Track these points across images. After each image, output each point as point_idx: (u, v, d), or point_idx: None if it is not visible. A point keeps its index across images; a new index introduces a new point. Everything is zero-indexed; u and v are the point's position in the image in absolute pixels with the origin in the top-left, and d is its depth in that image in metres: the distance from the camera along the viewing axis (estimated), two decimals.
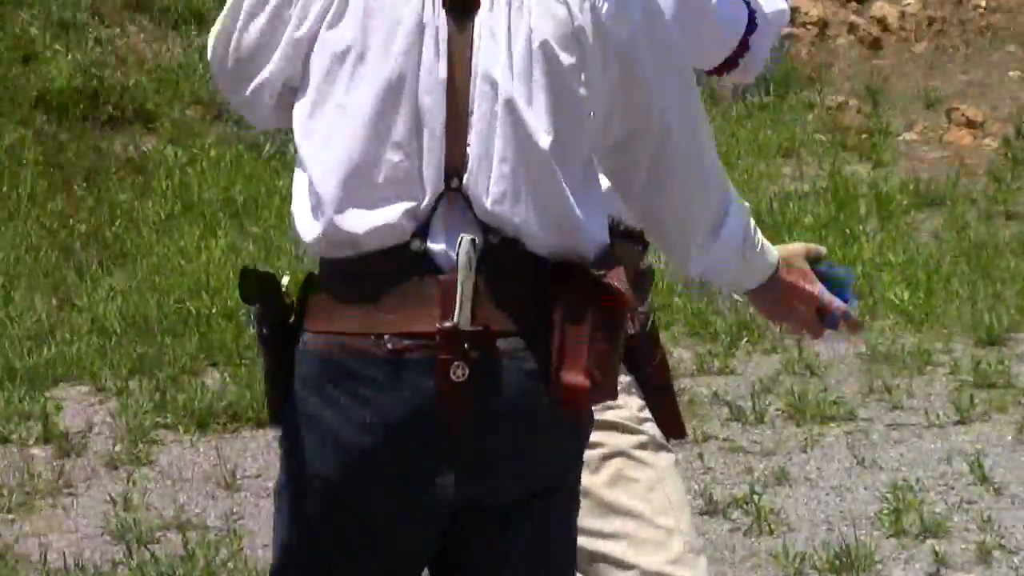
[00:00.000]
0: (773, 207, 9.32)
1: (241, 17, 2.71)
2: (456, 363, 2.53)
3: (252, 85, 2.73)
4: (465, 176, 2.60)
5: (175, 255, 7.99)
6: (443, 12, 2.63)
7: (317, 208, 2.65)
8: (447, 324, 2.54)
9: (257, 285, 2.72)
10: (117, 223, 8.41)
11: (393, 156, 2.62)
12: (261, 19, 2.70)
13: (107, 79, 9.66)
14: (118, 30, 10.38)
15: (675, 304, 7.55)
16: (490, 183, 2.62)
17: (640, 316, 3.10)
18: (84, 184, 8.82)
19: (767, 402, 6.64)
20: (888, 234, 9.08)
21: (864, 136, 11.09)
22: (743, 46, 3.45)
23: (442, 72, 2.64)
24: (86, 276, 7.81)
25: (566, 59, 2.65)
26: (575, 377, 2.56)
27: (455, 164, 2.61)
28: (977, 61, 12.65)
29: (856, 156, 10.75)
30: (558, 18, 2.65)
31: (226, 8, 2.77)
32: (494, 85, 2.64)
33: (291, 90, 2.68)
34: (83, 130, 9.34)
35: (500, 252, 2.61)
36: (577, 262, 2.63)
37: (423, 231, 2.60)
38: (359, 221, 2.62)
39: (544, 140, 2.62)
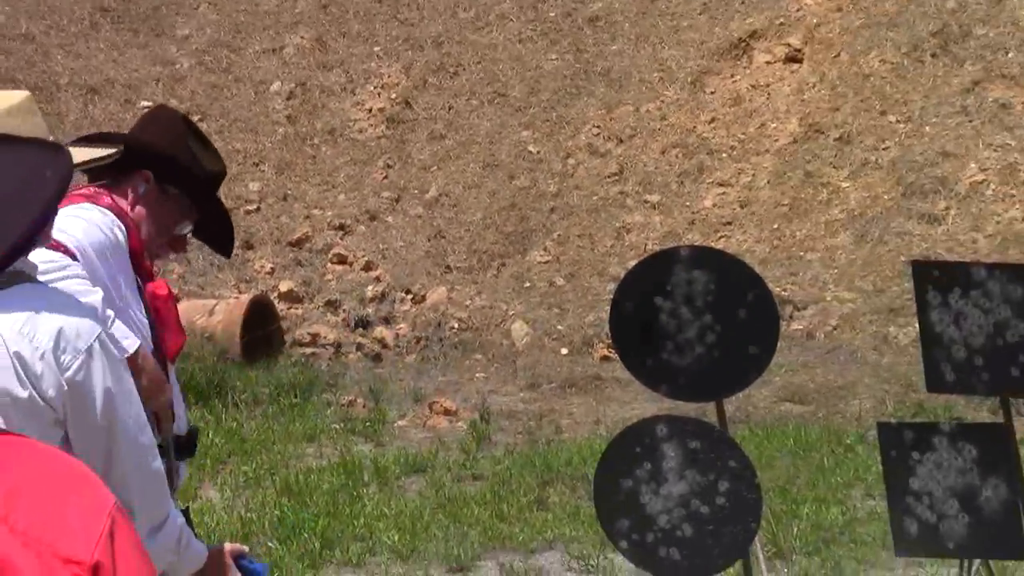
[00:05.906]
0: (300, 479, 9.96)
1: None
2: None
3: None
4: None
5: None
6: None
7: None
8: None
9: None
10: None
11: None
12: None
13: None
14: None
15: None
16: None
17: None
18: None
19: None
20: (384, 494, 9.72)
21: (369, 424, 11.75)
22: None
23: None
24: None
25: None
26: None
27: None
28: (453, 367, 13.56)
29: (363, 439, 11.40)
30: None
31: None
32: None
33: None
34: None
35: None
36: None
37: None
38: None
39: None
